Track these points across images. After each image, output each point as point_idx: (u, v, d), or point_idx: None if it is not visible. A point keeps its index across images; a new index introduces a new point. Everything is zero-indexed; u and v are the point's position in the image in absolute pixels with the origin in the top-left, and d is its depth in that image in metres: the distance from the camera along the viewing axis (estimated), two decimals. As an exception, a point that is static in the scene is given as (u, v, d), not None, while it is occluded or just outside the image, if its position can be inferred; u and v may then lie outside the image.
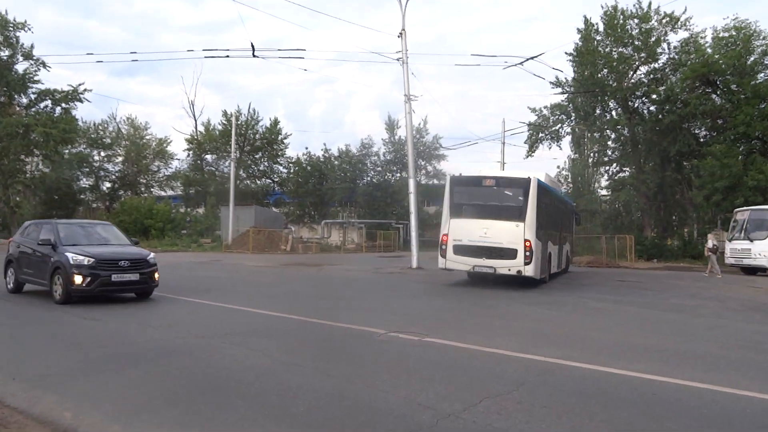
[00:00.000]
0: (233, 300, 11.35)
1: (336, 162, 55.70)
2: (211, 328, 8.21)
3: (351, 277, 18.23)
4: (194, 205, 55.23)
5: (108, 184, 61.46)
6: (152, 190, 61.86)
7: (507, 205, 14.48)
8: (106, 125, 58.40)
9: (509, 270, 14.08)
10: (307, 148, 79.49)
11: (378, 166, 55.73)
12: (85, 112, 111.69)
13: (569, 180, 47.90)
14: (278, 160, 56.53)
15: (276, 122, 55.15)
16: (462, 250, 14.43)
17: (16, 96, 44.38)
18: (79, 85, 43.54)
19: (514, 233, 14.12)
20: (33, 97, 43.97)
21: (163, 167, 61.88)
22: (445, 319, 9.59)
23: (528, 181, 14.36)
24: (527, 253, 14.04)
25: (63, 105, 44.34)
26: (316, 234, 51.10)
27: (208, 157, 57.29)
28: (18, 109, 47.33)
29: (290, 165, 56.37)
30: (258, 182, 57.69)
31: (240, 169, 53.67)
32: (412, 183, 23.68)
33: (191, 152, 55.71)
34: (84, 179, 60.76)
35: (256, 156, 56.89)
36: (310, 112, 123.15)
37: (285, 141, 56.12)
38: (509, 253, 14.09)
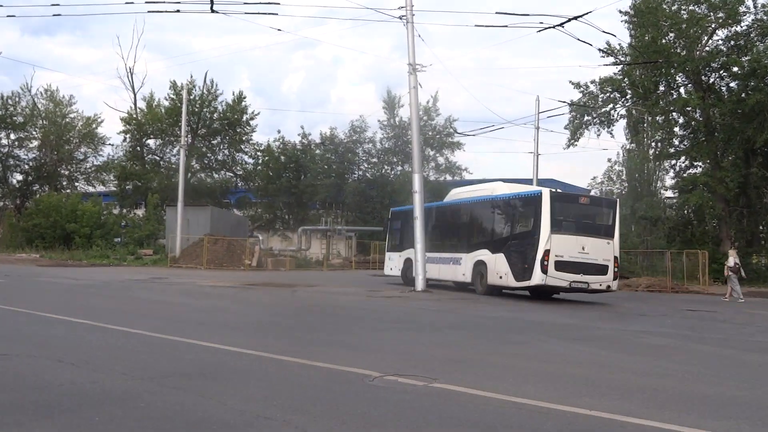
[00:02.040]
0: (178, 330, 11.29)
1: (318, 151, 55.81)
2: (149, 367, 8.14)
3: (337, 303, 18.27)
4: (132, 206, 55.33)
5: (19, 177, 61.47)
6: (77, 184, 61.88)
7: (599, 223, 20.47)
8: (17, 99, 58.57)
9: (600, 285, 19.76)
10: (279, 132, 79.83)
11: (373, 157, 55.83)
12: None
13: (623, 177, 47.73)
14: (242, 147, 56.64)
15: (240, 98, 55.31)
16: (563, 266, 19.34)
17: None
18: (-17, 46, 43.62)
19: (606, 250, 19.96)
20: None
21: (92, 155, 62.01)
22: (460, 359, 9.54)
23: (616, 202, 21.60)
24: (615, 270, 20.17)
25: (-39, 72, 44.31)
26: (291, 245, 51.09)
27: (151, 142, 57.38)
28: None
29: (258, 154, 56.42)
30: (216, 176, 57.77)
31: (192, 158, 53.73)
32: (417, 179, 23.67)
33: (128, 136, 55.66)
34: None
35: (214, 141, 56.99)
36: (285, 86, 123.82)
37: (251, 122, 56.29)
38: (602, 269, 19.80)
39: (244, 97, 55.67)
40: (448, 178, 52.69)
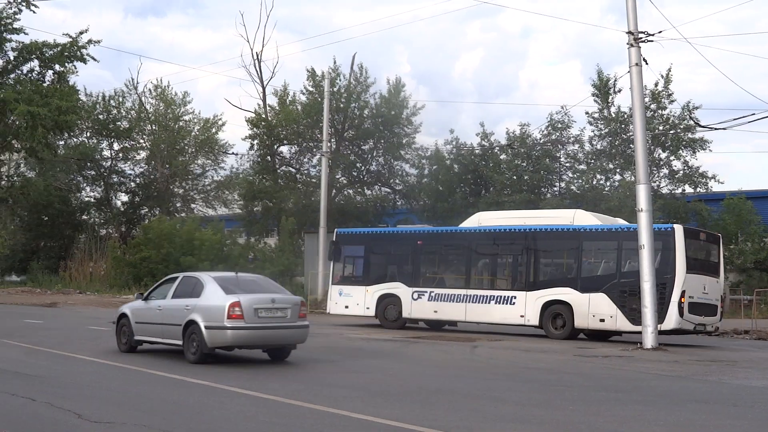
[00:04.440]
0: (322, 397, 11.58)
1: (504, 156, 55.51)
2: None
3: (532, 363, 18.11)
4: (261, 233, 56.90)
5: (124, 197, 65.78)
6: (193, 206, 65.16)
7: (711, 261, 24.24)
8: (120, 99, 62.31)
9: (711, 326, 23.40)
10: (452, 132, 79.91)
11: (580, 163, 54.72)
12: (89, 78, 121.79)
13: None
14: (402, 153, 57.06)
15: (398, 87, 55.80)
16: (692, 308, 22.60)
17: (-14, 55, 48.99)
18: (81, 33, 47.24)
19: (717, 289, 23.94)
20: (11, 55, 48.40)
21: (211, 167, 64.99)
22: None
23: (719, 237, 25.48)
24: (721, 309, 24.25)
25: (57, 67, 48.37)
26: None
27: (284, 149, 59.11)
28: (-11, 75, 52.35)
29: (423, 162, 56.86)
30: (368, 192, 58.64)
31: (337, 169, 54.99)
32: (643, 192, 22.93)
33: (256, 142, 57.56)
34: (88, 188, 65.77)
35: (365, 147, 57.88)
36: (457, 69, 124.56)
37: (413, 120, 56.68)
38: (714, 309, 23.57)
39: (404, 86, 55.67)
40: (688, 189, 50.57)
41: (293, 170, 59.22)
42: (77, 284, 51.54)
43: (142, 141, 63.65)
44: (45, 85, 47.70)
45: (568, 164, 54.55)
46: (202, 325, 15.82)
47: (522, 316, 25.03)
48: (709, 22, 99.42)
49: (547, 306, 24.52)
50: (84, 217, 65.43)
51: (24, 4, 44.88)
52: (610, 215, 47.98)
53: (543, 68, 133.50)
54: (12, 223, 63.04)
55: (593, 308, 23.57)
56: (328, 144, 46.44)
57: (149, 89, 63.43)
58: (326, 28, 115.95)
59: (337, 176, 55.91)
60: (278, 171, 58.28)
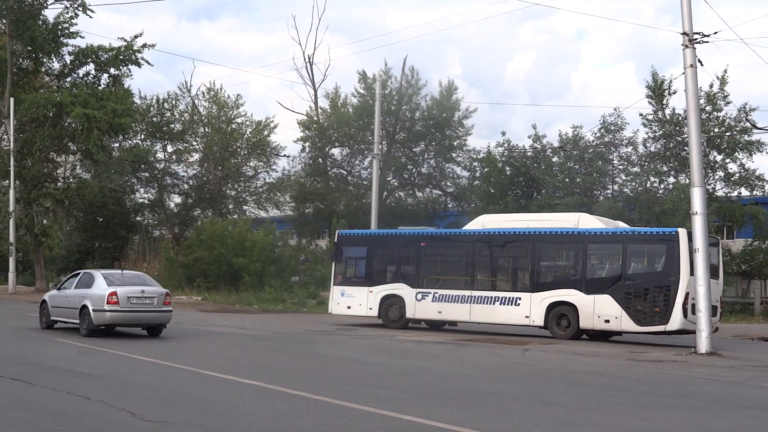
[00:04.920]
0: (371, 398, 11.65)
1: (556, 158, 55.19)
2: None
3: (583, 367, 18.05)
4: (312, 234, 57.28)
5: (178, 199, 66.56)
6: (245, 208, 65.73)
7: (712, 263, 23.53)
8: (174, 102, 63.11)
9: (712, 326, 22.73)
10: (503, 134, 79.98)
11: (633, 165, 54.17)
12: (143, 81, 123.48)
13: None
14: (453, 155, 57.14)
15: (450, 89, 55.92)
16: (694, 309, 22.57)
17: (44, 59, 49.98)
18: (136, 37, 48.07)
19: (716, 290, 24.56)
20: (68, 59, 49.27)
21: (263, 170, 65.53)
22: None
23: (719, 240, 26.92)
24: (720, 310, 25.23)
25: (111, 71, 49.18)
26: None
27: (336, 151, 59.49)
28: (47, 79, 53.36)
29: (474, 164, 56.80)
30: (419, 194, 58.75)
31: (389, 171, 55.16)
32: (697, 195, 22.66)
33: (308, 144, 58.02)
34: (142, 190, 66.70)
35: (416, 149, 58.02)
36: (509, 71, 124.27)
37: (465, 122, 56.70)
38: (715, 310, 23.77)
39: (456, 89, 55.96)
40: (744, 192, 49.85)
41: (344, 172, 59.50)
42: (131, 285, 52.10)
43: (195, 143, 64.37)
44: (100, 88, 48.58)
45: (621, 167, 54.01)
46: (90, 308, 21.21)
47: (527, 317, 25.86)
48: (766, 22, 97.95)
49: (552, 307, 25.38)
50: (138, 218, 66.33)
51: (80, 9, 45.74)
52: (664, 218, 47.68)
53: (596, 70, 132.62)
54: (68, 224, 64.08)
55: (598, 309, 24.44)
56: (380, 146, 46.49)
57: (202, 92, 64.05)
58: (378, 30, 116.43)
59: (388, 178, 56.05)
60: (329, 173, 58.61)
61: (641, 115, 51.86)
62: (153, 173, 63.97)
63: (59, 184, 55.37)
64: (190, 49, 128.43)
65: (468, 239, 28.61)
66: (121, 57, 47.94)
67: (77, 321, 21.90)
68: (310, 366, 16.58)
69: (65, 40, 47.59)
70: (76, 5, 45.69)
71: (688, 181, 31.63)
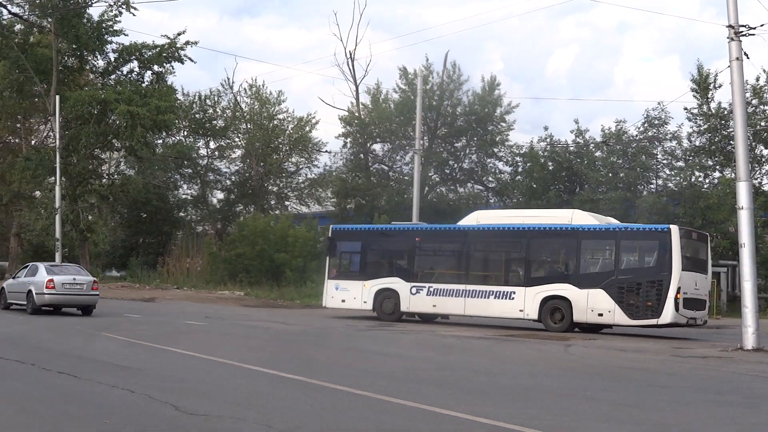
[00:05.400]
0: (413, 393, 11.68)
1: (599, 153, 54.80)
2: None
3: (627, 363, 17.96)
4: (354, 230, 57.31)
5: (220, 195, 67.12)
6: (287, 203, 66.07)
7: (701, 258, 26.01)
8: (217, 98, 63.53)
9: (700, 320, 25.46)
10: (546, 129, 79.30)
11: (678, 159, 53.64)
12: (186, 78, 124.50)
13: None
14: (495, 150, 56.97)
15: (492, 85, 55.85)
16: (686, 303, 24.34)
17: (88, 57, 50.56)
18: (179, 34, 48.42)
19: (706, 285, 26.07)
20: (112, 57, 49.79)
21: (305, 165, 65.84)
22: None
23: (707, 236, 28.32)
24: (708, 304, 26.65)
25: (155, 68, 49.61)
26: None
27: (377, 147, 59.64)
28: (92, 77, 53.98)
29: (516, 159, 56.55)
30: (461, 190, 58.67)
31: (430, 167, 55.12)
32: (743, 190, 22.34)
33: (349, 140, 58.19)
34: (185, 186, 67.32)
35: (457, 144, 57.97)
36: (551, 66, 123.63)
37: (507, 117, 56.52)
38: (704, 304, 25.74)
39: (498, 84, 55.99)
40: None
41: (386, 168, 59.66)
42: (174, 280, 52.68)
43: (237, 139, 64.86)
44: (144, 85, 49.04)
45: (665, 161, 53.54)
46: (34, 292, 27.02)
47: (521, 311, 26.63)
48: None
49: (546, 301, 26.18)
50: (181, 214, 66.98)
51: (124, 6, 46.11)
52: (709, 213, 47.24)
53: (639, 64, 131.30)
54: (112, 220, 64.84)
55: (592, 303, 25.20)
56: (421, 142, 46.54)
57: (244, 88, 64.58)
58: (419, 26, 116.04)
59: (430, 174, 56.02)
60: (371, 169, 58.76)
61: (686, 109, 51.31)
62: (196, 169, 64.52)
63: (104, 180, 55.97)
64: (232, 46, 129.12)
65: (463, 235, 29.41)
66: (165, 54, 48.38)
67: (24, 302, 27.59)
68: (352, 361, 16.64)
69: (109, 38, 48.11)
70: (120, 3, 46.00)
71: (733, 175, 31.27)
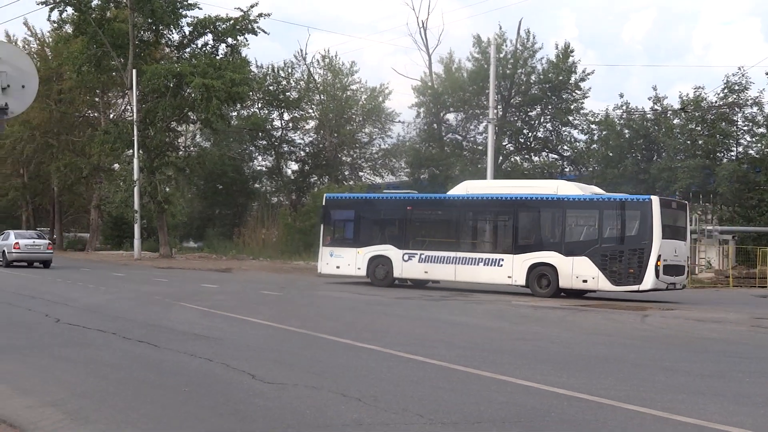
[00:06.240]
0: (487, 362, 11.65)
1: (677, 120, 53.82)
2: (452, 409, 8.53)
3: (707, 334, 17.69)
4: (427, 200, 57.44)
5: (294, 166, 67.74)
6: (361, 174, 66.41)
7: (679, 226, 27.41)
8: (290, 70, 63.94)
9: (679, 284, 27.00)
10: (622, 96, 78.17)
11: (759, 126, 52.42)
12: (259, 50, 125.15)
13: None
14: (570, 119, 56.48)
15: (567, 52, 55.30)
16: (666, 269, 25.58)
17: (164, 31, 51.26)
18: (252, 7, 48.79)
19: (684, 251, 27.60)
20: (187, 30, 50.39)
21: (378, 136, 66.03)
22: None
23: (686, 204, 29.73)
24: (687, 269, 28.55)
25: (229, 41, 50.10)
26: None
27: (450, 117, 59.57)
28: (167, 50, 54.76)
29: (592, 128, 55.93)
30: (536, 159, 58.31)
31: (504, 136, 54.90)
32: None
33: (422, 110, 58.18)
34: (260, 157, 68.07)
35: (532, 113, 57.61)
36: (626, 32, 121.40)
37: (582, 85, 55.94)
38: (683, 270, 27.34)
39: (572, 51, 55.42)
40: None
41: (459, 137, 59.60)
42: (250, 250, 53.43)
43: (311, 111, 65.30)
44: (218, 58, 49.57)
45: (746, 128, 52.39)
46: (6, 251, 38.86)
47: (509, 277, 27.64)
48: None
49: (533, 268, 27.11)
50: (256, 185, 67.86)
51: (198, -21, 46.68)
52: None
53: (718, 28, 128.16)
54: (189, 192, 65.91)
55: (576, 270, 26.23)
56: (495, 111, 46.32)
57: (317, 60, 64.98)
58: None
59: (504, 143, 55.86)
60: (444, 138, 58.78)
61: (767, 73, 50.09)
62: (270, 141, 65.18)
63: (180, 152, 57.03)
64: (305, 18, 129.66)
65: (453, 204, 30.28)
66: (238, 27, 48.82)
67: (1, 259, 39.33)
68: (426, 330, 16.68)
69: (184, 12, 48.73)
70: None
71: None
